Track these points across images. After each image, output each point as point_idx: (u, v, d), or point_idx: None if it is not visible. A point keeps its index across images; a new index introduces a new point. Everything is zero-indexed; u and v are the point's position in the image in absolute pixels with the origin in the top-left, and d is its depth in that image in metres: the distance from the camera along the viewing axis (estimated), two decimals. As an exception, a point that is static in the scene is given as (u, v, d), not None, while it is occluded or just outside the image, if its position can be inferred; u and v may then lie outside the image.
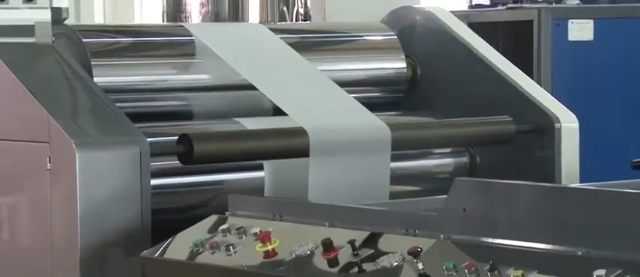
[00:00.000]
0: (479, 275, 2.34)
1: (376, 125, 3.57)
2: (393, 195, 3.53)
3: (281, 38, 3.91)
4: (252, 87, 3.65)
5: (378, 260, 2.54)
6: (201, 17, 4.36)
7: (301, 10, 4.47)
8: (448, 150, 4.01)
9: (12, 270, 3.35)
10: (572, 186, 3.36)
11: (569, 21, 6.15)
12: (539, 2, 7.55)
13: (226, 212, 3.03)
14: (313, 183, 3.36)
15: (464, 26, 4.16)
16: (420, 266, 2.44)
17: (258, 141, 3.49)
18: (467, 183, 2.68)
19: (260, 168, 3.52)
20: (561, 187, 3.28)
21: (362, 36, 4.28)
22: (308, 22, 4.51)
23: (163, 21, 4.45)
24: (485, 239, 2.47)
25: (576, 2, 7.75)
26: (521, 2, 7.89)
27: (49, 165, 3.17)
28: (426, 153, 3.98)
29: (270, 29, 4.02)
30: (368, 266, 2.55)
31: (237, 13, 4.34)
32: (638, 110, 6.18)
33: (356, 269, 2.56)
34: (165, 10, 4.47)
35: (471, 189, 2.63)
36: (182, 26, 4.06)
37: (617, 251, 2.21)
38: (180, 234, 3.02)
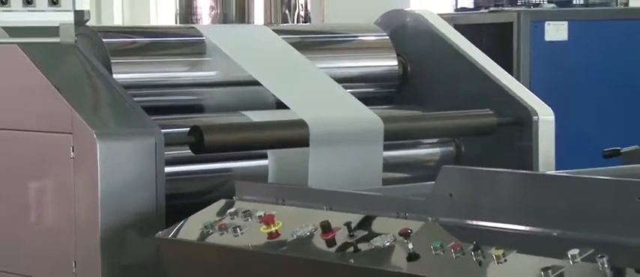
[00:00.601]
0: (464, 254, 2.33)
1: (370, 117, 3.56)
2: (385, 181, 3.53)
3: (283, 38, 3.90)
4: (257, 83, 3.64)
5: (371, 241, 2.54)
6: (210, 19, 4.35)
7: (302, 13, 4.47)
8: (436, 140, 4.00)
9: (39, 249, 3.34)
10: (548, 173, 3.37)
11: (546, 23, 6.16)
12: (519, 5, 7.55)
13: (234, 197, 3.03)
14: (313, 170, 3.36)
15: (450, 27, 4.16)
16: (410, 246, 2.44)
17: (263, 132, 3.49)
18: (453, 171, 2.68)
19: (264, 156, 3.52)
20: (538, 174, 3.27)
21: (357, 36, 4.27)
22: (308, 23, 4.50)
23: (176, 22, 4.44)
24: (469, 222, 2.46)
25: (552, 5, 7.75)
26: (502, 6, 7.90)
27: (72, 154, 3.17)
28: (415, 143, 3.97)
29: (273, 30, 4.02)
30: (363, 246, 2.54)
31: (243, 16, 4.33)
32: (609, 105, 6.20)
33: (352, 249, 2.56)
34: (177, 12, 4.46)
35: (457, 176, 2.63)
36: (193, 27, 4.06)
37: (589, 233, 2.21)
38: (191, 217, 3.01)
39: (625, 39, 6.55)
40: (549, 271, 2.13)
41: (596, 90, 6.17)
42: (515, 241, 2.31)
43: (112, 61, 3.56)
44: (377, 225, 2.60)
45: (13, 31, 3.36)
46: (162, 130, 3.23)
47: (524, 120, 3.81)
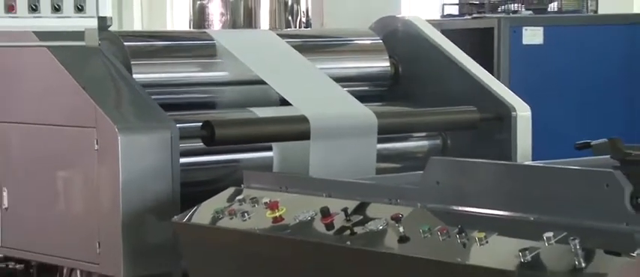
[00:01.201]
0: (449, 237, 2.34)
1: (365, 113, 3.56)
2: (378, 171, 3.53)
3: (287, 42, 3.90)
4: (262, 83, 3.64)
5: (366, 225, 2.54)
6: (221, 24, 4.34)
7: (303, 19, 4.47)
8: (424, 134, 4.00)
9: (67, 230, 3.34)
10: (525, 163, 3.38)
11: (523, 28, 6.17)
12: (499, 13, 7.57)
13: (242, 185, 3.03)
14: (313, 161, 3.36)
15: (437, 32, 4.15)
16: (401, 229, 2.45)
17: (268, 126, 3.48)
18: (440, 162, 2.68)
19: (269, 149, 3.51)
20: (517, 165, 3.29)
21: (353, 40, 4.26)
22: (309, 28, 4.50)
23: (190, 27, 4.44)
24: (454, 208, 2.46)
25: (529, 13, 7.76)
26: (484, 13, 7.90)
27: (96, 146, 3.17)
28: (406, 137, 3.97)
29: (277, 34, 4.01)
30: (358, 230, 2.55)
31: (250, 21, 4.33)
32: (581, 102, 6.21)
33: (348, 232, 2.56)
34: (191, 18, 4.46)
35: (443, 167, 2.62)
36: (205, 32, 4.06)
37: (563, 217, 2.21)
38: (204, 203, 3.01)
39: (595, 42, 6.57)
40: (526, 252, 2.14)
41: (569, 89, 6.19)
42: (496, 225, 2.31)
43: (132, 62, 3.56)
44: (371, 211, 2.60)
45: (42, 35, 3.36)
46: (178, 125, 3.23)
47: (504, 115, 3.80)
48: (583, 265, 2.06)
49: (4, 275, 4.00)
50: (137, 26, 19.79)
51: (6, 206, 3.53)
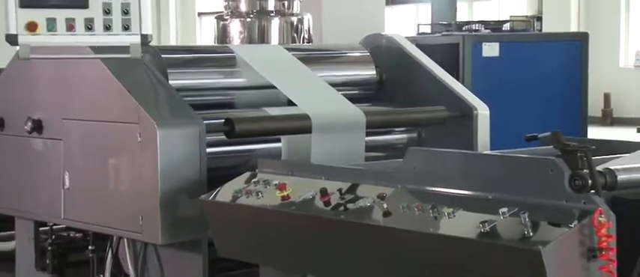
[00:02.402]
0: (423, 211, 2.34)
1: (355, 112, 3.55)
2: (366, 159, 3.52)
3: (293, 54, 3.89)
4: (273, 87, 3.63)
5: (357, 202, 2.54)
6: (239, 40, 4.34)
7: (306, 36, 4.47)
8: (403, 129, 3.98)
9: (116, 206, 3.33)
10: (485, 152, 3.39)
11: (483, 43, 6.19)
12: (463, 31, 7.59)
13: (256, 170, 3.01)
14: (314, 150, 3.35)
15: (414, 46, 4.14)
16: (385, 205, 2.45)
17: (278, 122, 3.47)
18: (416, 151, 2.67)
19: (278, 140, 3.50)
20: (478, 154, 3.29)
21: (346, 53, 4.25)
22: (310, 43, 4.50)
23: (215, 43, 4.44)
24: (428, 188, 2.46)
25: (487, 31, 7.79)
26: (451, 31, 7.92)
27: (139, 138, 3.16)
28: (388, 131, 3.95)
29: (285, 48, 4.00)
30: (350, 206, 2.54)
31: (263, 38, 4.33)
32: (530, 103, 6.24)
33: (342, 208, 2.56)
34: (216, 35, 4.46)
35: (419, 155, 2.61)
36: (227, 46, 4.05)
37: (515, 196, 2.21)
38: (225, 185, 3.00)
39: (540, 55, 6.62)
40: (486, 223, 2.14)
41: (519, 93, 6.23)
42: (461, 202, 2.31)
43: (168, 71, 3.54)
44: (361, 191, 2.59)
45: (96, 49, 3.35)
46: (204, 121, 3.22)
47: (467, 114, 3.79)
48: (531, 234, 2.06)
49: (66, 242, 4.00)
50: (172, 41, 19.83)
51: (68, 186, 3.53)
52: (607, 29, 14.83)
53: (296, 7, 4.53)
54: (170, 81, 3.47)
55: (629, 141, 3.33)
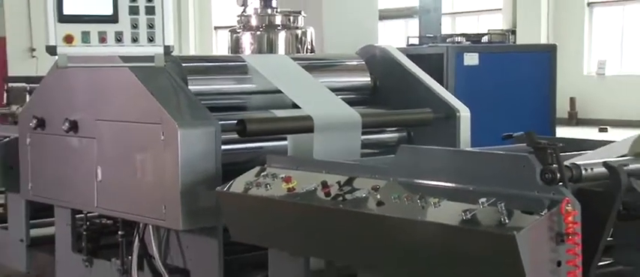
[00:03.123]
0: (412, 201, 2.33)
1: (352, 114, 3.53)
2: (362, 155, 3.50)
3: (297, 63, 3.87)
4: (279, 92, 3.62)
5: (353, 193, 2.53)
6: (250, 51, 4.35)
7: (309, 46, 4.48)
8: (394, 128, 3.96)
9: (142, 196, 3.32)
10: (467, 149, 3.37)
11: (464, 54, 6.19)
12: (447, 43, 7.58)
13: (265, 165, 3.00)
14: (316, 148, 3.33)
15: (404, 56, 4.13)
16: (378, 196, 2.44)
17: (284, 123, 3.45)
18: (406, 148, 2.67)
19: (285, 139, 3.48)
20: (461, 150, 3.28)
21: (344, 62, 4.23)
22: (313, 53, 4.50)
23: (229, 53, 4.44)
24: (416, 181, 2.44)
25: (468, 43, 7.78)
26: (437, 42, 7.92)
27: (162, 137, 3.15)
28: (381, 131, 3.93)
29: (291, 58, 4.00)
30: (348, 197, 2.53)
31: (271, 49, 4.35)
32: (506, 106, 6.23)
33: (341, 198, 2.55)
34: (229, 46, 4.48)
35: (409, 152, 2.61)
36: (239, 56, 4.06)
37: (492, 187, 2.20)
38: (238, 178, 2.98)
39: (514, 64, 6.64)
40: (467, 211, 2.14)
41: (497, 97, 6.22)
42: (446, 193, 2.30)
43: (187, 77, 3.53)
44: (357, 183, 2.58)
45: (124, 58, 3.34)
46: (220, 122, 3.21)
47: (451, 115, 3.77)
48: (506, 221, 2.06)
49: (98, 228, 4.00)
50: (192, 52, 19.84)
51: (100, 179, 3.52)
52: (572, 42, 14.86)
53: (300, 22, 4.55)
54: (189, 87, 3.46)
55: (592, 140, 3.36)
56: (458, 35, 8.98)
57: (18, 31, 9.39)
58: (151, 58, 3.36)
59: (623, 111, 13.84)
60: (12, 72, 8.50)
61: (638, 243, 3.02)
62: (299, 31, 4.51)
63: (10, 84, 5.70)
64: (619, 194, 2.18)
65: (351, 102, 3.70)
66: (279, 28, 4.46)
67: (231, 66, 3.89)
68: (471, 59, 6.24)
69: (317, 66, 4.08)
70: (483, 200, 2.13)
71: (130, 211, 3.42)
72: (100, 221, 3.98)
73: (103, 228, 3.96)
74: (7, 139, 4.33)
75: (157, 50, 3.38)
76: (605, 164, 2.25)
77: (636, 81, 13.84)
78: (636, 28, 14.67)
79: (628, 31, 14.86)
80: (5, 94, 5.64)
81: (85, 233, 3.93)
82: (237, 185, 2.93)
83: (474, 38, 8.56)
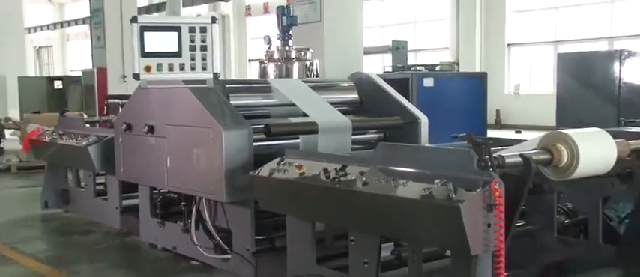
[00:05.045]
0: (388, 182, 2.30)
1: (345, 120, 3.51)
2: (352, 150, 3.48)
3: (306, 84, 3.84)
4: (294, 105, 3.59)
5: (346, 176, 2.50)
6: (273, 76, 4.33)
7: (315, 73, 4.45)
8: (374, 131, 3.92)
9: (198, 178, 3.28)
10: (425, 145, 3.34)
11: (424, 78, 6.15)
12: (412, 71, 7.52)
13: (284, 156, 2.97)
14: (320, 144, 3.31)
15: (382, 80, 4.11)
16: (364, 178, 2.41)
17: (297, 127, 3.42)
18: (383, 145, 2.61)
19: (298, 138, 3.45)
20: (422, 146, 3.24)
21: (339, 84, 4.19)
22: (317, 77, 4.47)
23: (258, 77, 4.42)
24: (391, 168, 2.40)
25: (426, 71, 7.73)
26: (404, 70, 7.86)
27: (211, 136, 3.12)
28: (365, 132, 3.89)
29: (302, 81, 3.95)
30: (342, 179, 2.50)
31: (288, 74, 4.33)
32: (453, 115, 6.19)
33: (337, 180, 2.51)
34: (259, 73, 4.45)
35: (385, 147, 2.56)
36: (266, 80, 4.02)
37: (444, 172, 2.16)
38: (264, 165, 2.96)
39: (459, 86, 6.59)
40: (426, 189, 2.11)
41: (447, 108, 6.18)
42: (411, 176, 2.26)
43: (229, 94, 3.50)
44: (349, 169, 2.54)
45: (185, 82, 3.35)
46: (252, 126, 3.18)
47: (415, 121, 3.75)
48: (453, 196, 2.03)
49: (168, 200, 3.98)
50: (232, 76, 19.83)
51: (169, 166, 3.49)
52: (497, 71, 14.87)
53: (308, 55, 4.52)
54: (231, 101, 3.43)
55: (511, 138, 3.35)
56: (419, 65, 8.96)
57: (114, 64, 9.51)
58: (203, 82, 3.37)
59: (532, 118, 13.86)
60: (110, 92, 8.55)
61: (541, 210, 3.06)
62: (307, 62, 4.48)
63: (108, 101, 5.74)
64: (530, 176, 2.18)
65: (344, 112, 3.68)
66: (293, 60, 4.43)
67: (260, 87, 3.86)
68: (429, 82, 6.22)
69: (320, 86, 4.04)
70: (437, 181, 2.10)
71: (189, 188, 3.39)
72: (169, 195, 3.95)
73: (171, 200, 3.94)
74: (107, 138, 4.33)
75: (208, 76, 3.39)
76: (521, 155, 2.23)
77: (541, 98, 13.84)
78: (541, 62, 14.83)
79: (535, 64, 15.04)
80: (106, 107, 5.69)
81: (159, 203, 3.92)
82: (264, 170, 2.91)
83: (430, 67, 8.53)
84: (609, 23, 13.61)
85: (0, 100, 11.32)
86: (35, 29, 26.07)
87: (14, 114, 11.00)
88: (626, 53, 4.42)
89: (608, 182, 2.78)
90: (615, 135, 2.52)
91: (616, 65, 4.37)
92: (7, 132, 9.42)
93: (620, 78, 4.30)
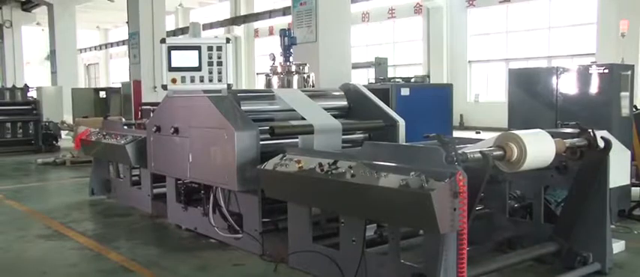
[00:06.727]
0: (372, 174, 2.27)
1: (337, 123, 3.46)
2: (343, 148, 3.43)
3: (305, 93, 3.80)
4: (294, 110, 3.54)
5: (337, 169, 2.47)
6: (277, 86, 4.28)
7: (312, 83, 4.41)
8: (361, 132, 3.88)
9: (215, 171, 3.23)
10: (402, 144, 3.31)
11: (401, 88, 6.09)
12: (391, 82, 7.50)
13: (285, 153, 2.94)
14: (315, 143, 3.26)
15: (367, 89, 4.08)
16: (352, 171, 2.38)
17: (297, 128, 3.36)
18: (368, 143, 2.59)
19: (297, 138, 3.40)
20: (400, 144, 3.21)
21: (332, 93, 4.14)
22: (313, 87, 4.43)
23: (265, 87, 4.37)
24: (374, 162, 2.37)
25: (403, 82, 7.70)
26: (385, 81, 7.84)
27: (226, 136, 3.09)
28: (353, 133, 3.84)
29: (301, 91, 3.91)
30: (334, 171, 2.47)
31: (289, 85, 4.27)
32: (425, 119, 6.12)
33: (330, 172, 2.48)
34: (265, 84, 4.41)
35: (370, 146, 2.53)
36: (271, 90, 3.97)
37: (418, 166, 2.14)
38: (269, 160, 2.93)
39: (430, 95, 6.53)
40: (403, 180, 2.09)
41: (420, 113, 6.08)
42: (390, 169, 2.24)
43: (241, 102, 3.45)
44: (339, 164, 2.52)
45: (204, 91, 3.32)
46: (259, 128, 3.13)
47: (394, 124, 3.71)
48: (426, 185, 2.01)
49: (190, 189, 3.94)
50: (243, 87, 19.74)
51: (191, 161, 3.45)
52: (460, 82, 14.92)
53: (306, 69, 4.48)
54: (242, 107, 3.39)
55: (472, 138, 3.32)
56: (397, 78, 8.95)
57: (147, 76, 9.57)
58: (219, 91, 3.34)
59: (489, 121, 13.91)
60: (144, 100, 8.58)
61: (496, 196, 3.09)
62: (305, 75, 4.43)
63: (142, 107, 5.78)
64: (488, 169, 2.18)
65: (335, 116, 3.64)
66: (293, 73, 4.39)
67: (266, 95, 3.82)
68: (405, 91, 6.15)
69: (315, 95, 4.00)
70: (413, 173, 2.08)
71: (208, 179, 3.35)
72: (191, 185, 3.91)
73: (193, 189, 3.89)
74: (140, 138, 4.31)
75: (223, 86, 3.36)
76: (480, 152, 2.24)
77: (496, 105, 13.87)
78: (495, 76, 14.95)
79: (491, 77, 15.18)
80: (140, 113, 5.70)
81: (182, 191, 3.88)
82: (269, 164, 2.88)
83: (406, 79, 8.53)
84: (548, 45, 13.82)
85: (57, 107, 11.51)
86: (85, 50, 26.62)
87: (68, 118, 11.42)
88: (561, 69, 4.42)
89: (548, 173, 2.86)
90: (554, 135, 2.58)
91: (554, 79, 4.37)
92: (63, 133, 10.10)
93: (557, 90, 4.30)
